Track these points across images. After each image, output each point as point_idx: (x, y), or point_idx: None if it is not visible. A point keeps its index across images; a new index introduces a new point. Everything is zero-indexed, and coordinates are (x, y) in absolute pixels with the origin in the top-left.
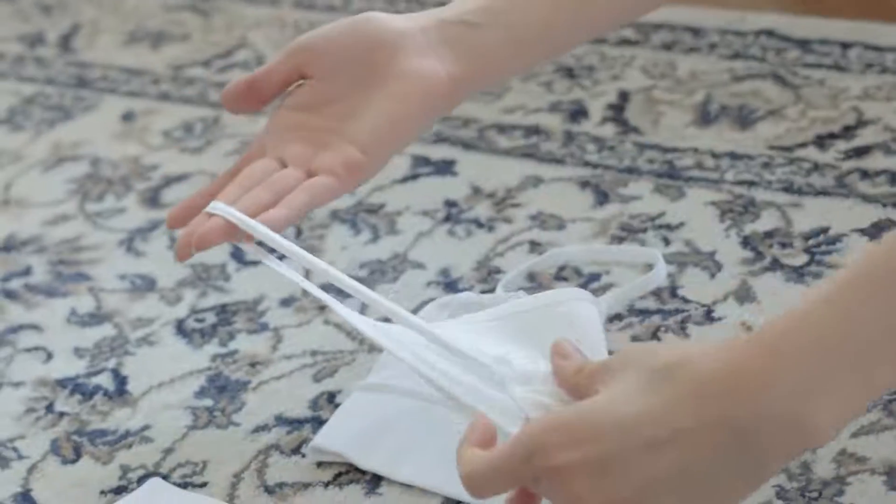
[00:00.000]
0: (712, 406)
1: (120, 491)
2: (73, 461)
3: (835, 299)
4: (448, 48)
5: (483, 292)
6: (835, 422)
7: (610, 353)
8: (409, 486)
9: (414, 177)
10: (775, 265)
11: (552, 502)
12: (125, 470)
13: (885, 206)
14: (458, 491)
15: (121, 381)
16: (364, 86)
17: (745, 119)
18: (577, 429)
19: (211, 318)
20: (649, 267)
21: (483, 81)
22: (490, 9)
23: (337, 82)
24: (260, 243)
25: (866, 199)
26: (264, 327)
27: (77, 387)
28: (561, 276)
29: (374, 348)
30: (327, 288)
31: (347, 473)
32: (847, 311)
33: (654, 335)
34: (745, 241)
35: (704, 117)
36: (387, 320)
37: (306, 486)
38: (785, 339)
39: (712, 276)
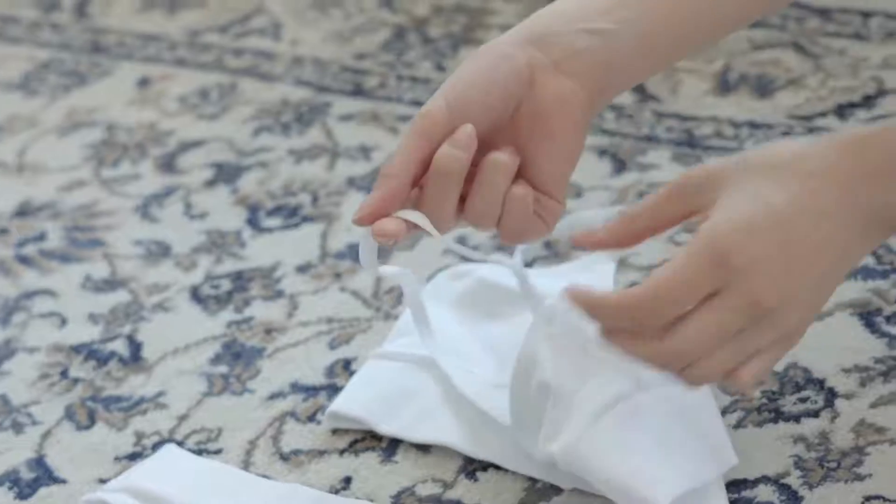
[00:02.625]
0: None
1: (134, 457)
2: (88, 427)
3: None
4: (578, 61)
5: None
6: None
7: None
8: (424, 454)
9: None
10: None
11: (722, 314)
12: (139, 436)
13: None
14: (476, 449)
15: (135, 347)
16: (514, 130)
17: (764, 88)
18: (758, 224)
19: (226, 285)
20: (668, 238)
21: (617, 91)
22: (619, 19)
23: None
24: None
25: None
26: (280, 294)
27: (92, 353)
28: None
29: (389, 316)
30: None
31: (363, 441)
32: None
33: None
34: None
35: (724, 86)
36: None
37: (321, 453)
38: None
39: None
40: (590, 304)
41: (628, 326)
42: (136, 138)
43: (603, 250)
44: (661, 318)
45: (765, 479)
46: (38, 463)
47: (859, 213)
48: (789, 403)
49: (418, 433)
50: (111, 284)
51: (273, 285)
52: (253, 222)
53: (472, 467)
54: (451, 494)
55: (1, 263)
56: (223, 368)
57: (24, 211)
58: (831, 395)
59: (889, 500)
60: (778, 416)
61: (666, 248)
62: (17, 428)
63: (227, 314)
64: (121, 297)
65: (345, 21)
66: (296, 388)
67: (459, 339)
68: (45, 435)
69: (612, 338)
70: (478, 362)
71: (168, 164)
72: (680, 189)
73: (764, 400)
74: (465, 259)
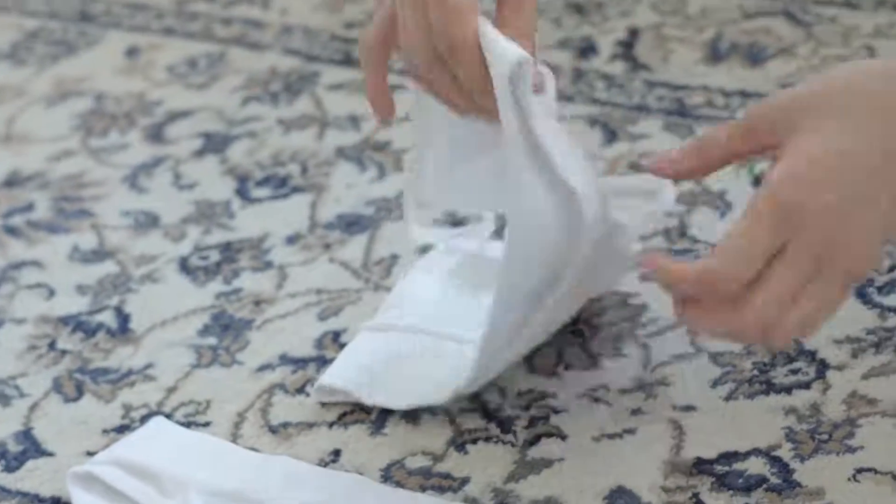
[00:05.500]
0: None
1: (122, 430)
2: (75, 399)
3: None
4: None
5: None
6: None
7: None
8: (414, 426)
9: None
10: None
11: (790, 273)
12: (127, 409)
13: None
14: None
15: (123, 318)
16: None
17: (755, 57)
18: (825, 177)
19: (215, 256)
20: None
21: None
22: None
23: None
24: None
25: None
26: (269, 265)
27: (79, 324)
28: None
29: (379, 287)
30: None
31: (352, 413)
32: None
33: None
34: (756, 181)
35: (715, 55)
36: None
37: (310, 425)
38: None
39: (722, 215)
40: (670, 278)
41: (705, 297)
42: (125, 108)
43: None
44: (736, 285)
45: (756, 451)
46: (26, 435)
47: None
48: (780, 375)
49: (404, 401)
50: (99, 255)
51: (262, 256)
52: (242, 193)
53: (462, 440)
54: (441, 467)
55: None
56: (212, 340)
57: (11, 181)
58: (823, 366)
59: (881, 472)
60: (769, 387)
61: None
62: (4, 400)
63: (216, 285)
64: (109, 268)
65: None
66: (285, 360)
67: (452, 311)
68: (33, 407)
69: (689, 312)
70: (469, 330)
71: (156, 134)
72: (752, 127)
73: (755, 371)
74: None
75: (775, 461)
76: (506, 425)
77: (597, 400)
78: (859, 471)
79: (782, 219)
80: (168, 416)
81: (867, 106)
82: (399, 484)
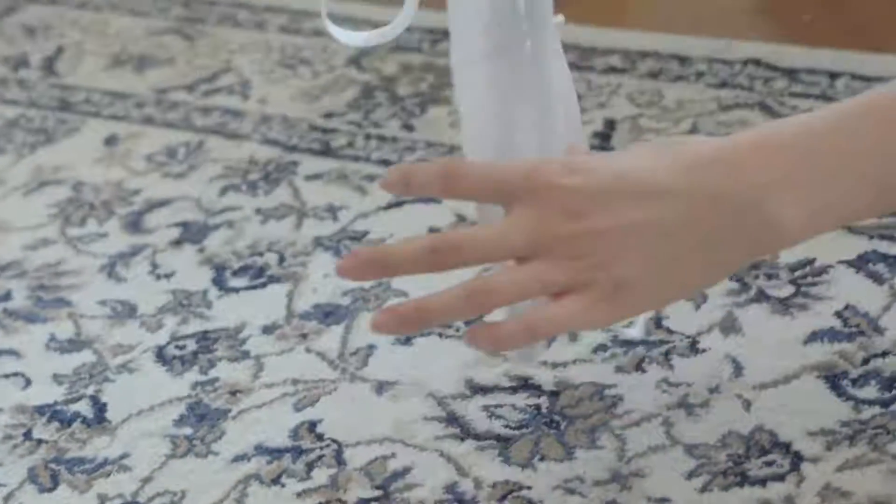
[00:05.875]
0: (697, 174)
1: None
2: (51, 489)
3: (830, 116)
4: None
5: (467, 322)
6: (799, 223)
7: None
8: None
9: (398, 204)
10: (761, 296)
11: (517, 226)
12: (102, 499)
13: (871, 237)
14: None
15: (100, 408)
16: None
17: None
18: (576, 163)
19: (192, 346)
20: None
21: None
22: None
23: None
24: None
25: (853, 230)
26: (245, 355)
27: (55, 414)
28: None
29: (356, 377)
30: None
31: None
32: (839, 126)
33: (639, 366)
34: None
35: None
36: None
37: None
38: (774, 132)
39: (697, 306)
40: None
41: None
42: (103, 197)
43: None
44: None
45: None
46: None
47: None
48: (755, 467)
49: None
50: (76, 345)
51: (239, 346)
52: (219, 282)
53: None
54: None
55: None
56: (188, 430)
57: None
58: (797, 458)
59: None
60: (744, 479)
61: None
62: None
63: (193, 375)
64: (85, 357)
65: (313, 79)
66: (260, 450)
67: None
68: (8, 497)
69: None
70: None
71: (134, 224)
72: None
73: (730, 463)
74: None
75: None
76: None
77: (572, 492)
78: None
79: (524, 175)
80: None
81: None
82: None
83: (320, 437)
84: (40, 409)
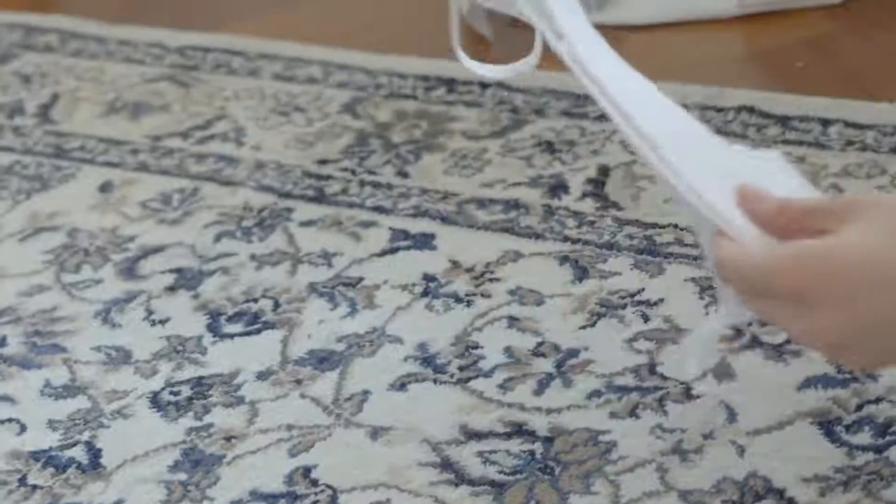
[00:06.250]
0: None
1: None
2: None
3: None
4: None
5: (461, 368)
6: None
7: None
8: None
9: (393, 250)
10: (755, 343)
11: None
12: None
13: None
14: None
15: (94, 454)
16: None
17: None
18: (827, 266)
19: (186, 391)
20: (629, 345)
21: None
22: None
23: None
24: None
25: None
26: (240, 401)
27: (50, 459)
28: (539, 351)
29: (350, 423)
30: None
31: None
32: None
33: (633, 412)
34: None
35: None
36: None
37: None
38: None
39: None
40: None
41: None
42: (98, 243)
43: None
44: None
45: None
46: None
47: None
48: None
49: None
50: (70, 390)
51: (233, 392)
52: (214, 328)
53: None
54: None
55: None
56: (182, 476)
57: None
58: None
59: None
60: None
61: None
62: None
63: (187, 421)
64: (80, 403)
65: (307, 126)
66: (255, 496)
67: None
68: None
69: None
70: None
71: (129, 270)
72: (810, 209)
73: None
74: None
75: None
76: None
77: None
78: None
79: (767, 279)
80: None
81: None
82: None
83: (315, 483)
84: (35, 455)
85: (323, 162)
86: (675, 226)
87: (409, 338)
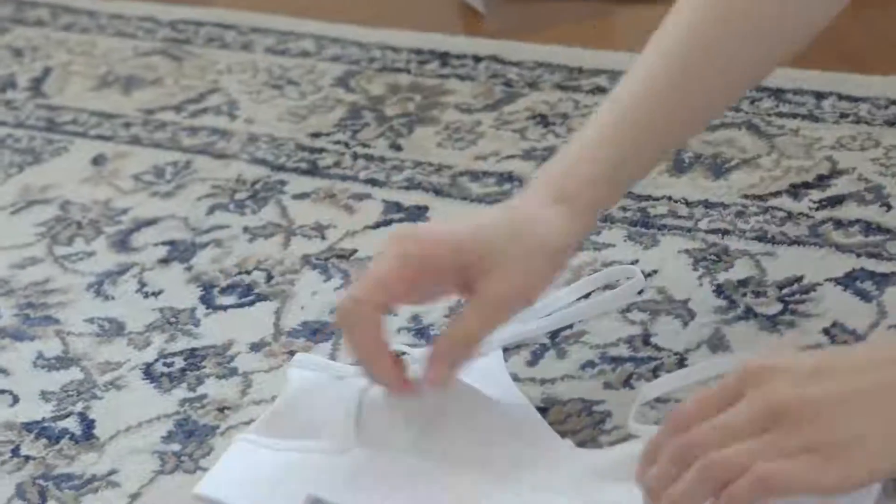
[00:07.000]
0: None
1: None
2: None
3: None
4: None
5: None
6: None
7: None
8: None
9: (386, 223)
10: (749, 314)
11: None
12: None
13: (858, 255)
14: None
15: (87, 424)
16: None
17: (719, 168)
18: (788, 360)
19: (180, 363)
20: (623, 316)
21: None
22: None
23: None
24: None
25: (840, 248)
26: (233, 372)
27: (43, 430)
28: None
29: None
30: None
31: None
32: None
33: (627, 383)
34: (719, 290)
35: (678, 165)
36: None
37: None
38: None
39: (685, 324)
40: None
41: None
42: (91, 216)
43: None
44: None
45: None
46: None
47: None
48: None
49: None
50: (63, 362)
51: (227, 363)
52: (207, 300)
53: None
54: None
55: None
56: (176, 447)
57: None
58: None
59: None
60: None
61: (621, 327)
62: None
63: (181, 392)
64: (73, 374)
65: (300, 99)
66: None
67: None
68: None
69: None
70: None
71: (122, 242)
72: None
73: None
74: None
75: None
76: None
77: None
78: None
79: (739, 379)
80: None
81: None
82: None
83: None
84: (28, 426)
85: (316, 135)
86: (669, 198)
87: (403, 309)
